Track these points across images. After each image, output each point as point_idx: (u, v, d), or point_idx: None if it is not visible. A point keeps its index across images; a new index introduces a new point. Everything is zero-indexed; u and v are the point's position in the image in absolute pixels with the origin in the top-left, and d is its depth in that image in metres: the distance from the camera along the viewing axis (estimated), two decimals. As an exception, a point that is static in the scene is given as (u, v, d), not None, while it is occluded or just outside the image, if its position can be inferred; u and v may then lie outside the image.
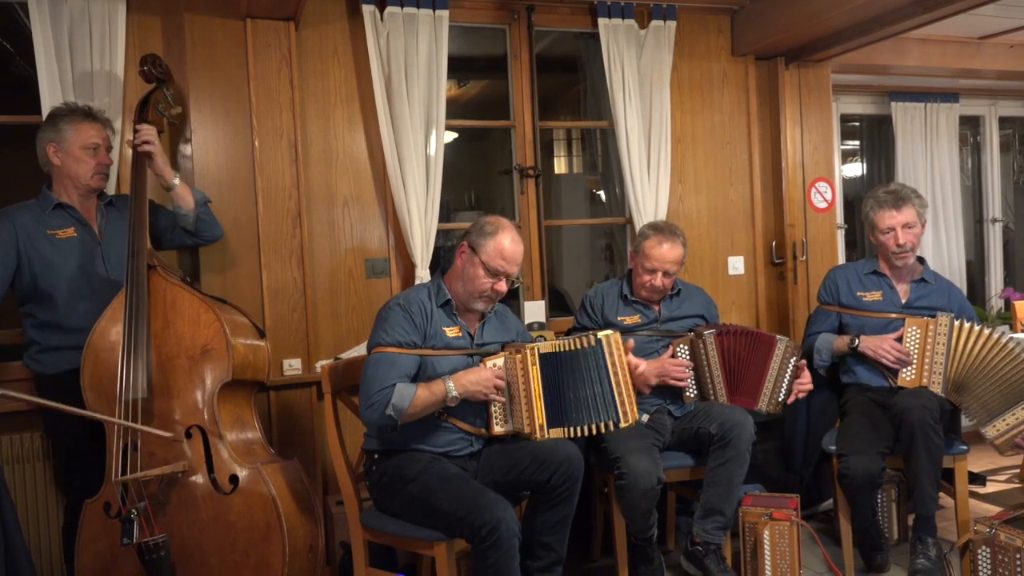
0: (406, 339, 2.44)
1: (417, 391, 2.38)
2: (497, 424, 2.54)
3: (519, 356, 2.50)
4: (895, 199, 3.08)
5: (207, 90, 3.09)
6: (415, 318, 2.46)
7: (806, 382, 2.91)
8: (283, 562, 2.37)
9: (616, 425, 2.54)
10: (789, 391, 2.90)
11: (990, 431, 2.88)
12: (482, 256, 2.49)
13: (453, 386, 2.40)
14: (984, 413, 2.91)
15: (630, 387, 2.58)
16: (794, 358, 2.90)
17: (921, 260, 3.23)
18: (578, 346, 2.55)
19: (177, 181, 2.72)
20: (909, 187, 3.16)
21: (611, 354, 2.54)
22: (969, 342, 2.93)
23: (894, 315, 3.09)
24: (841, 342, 3.13)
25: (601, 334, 2.56)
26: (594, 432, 2.55)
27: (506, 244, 2.50)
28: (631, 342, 2.77)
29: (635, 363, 2.75)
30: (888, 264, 3.17)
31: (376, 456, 2.53)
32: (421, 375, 2.46)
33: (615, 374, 2.54)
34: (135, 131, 2.69)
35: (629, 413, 2.55)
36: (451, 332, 2.53)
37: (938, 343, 2.98)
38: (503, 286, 2.53)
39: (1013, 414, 2.85)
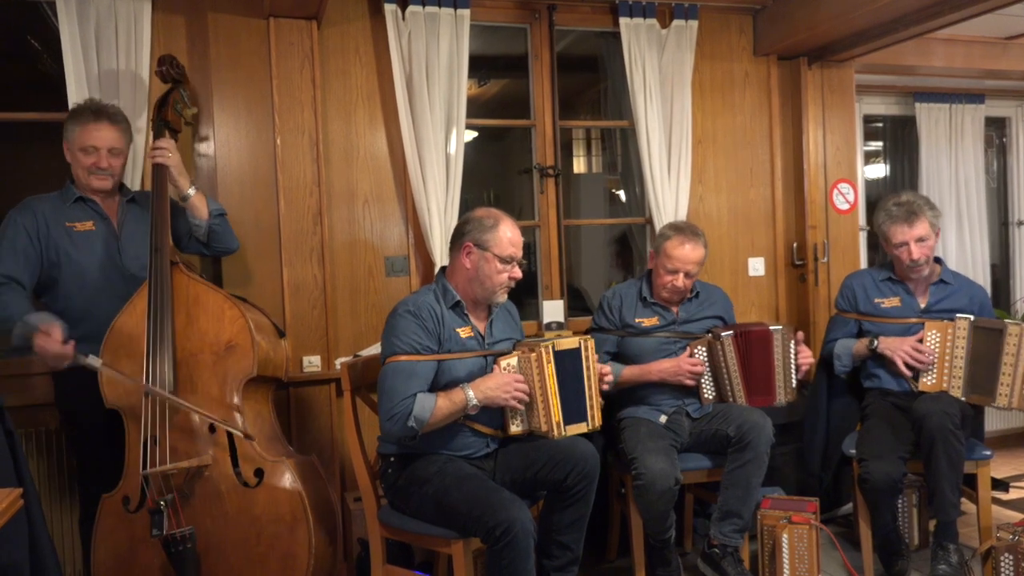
0: (422, 345, 2.41)
1: (438, 402, 2.36)
2: (513, 424, 2.53)
3: (534, 355, 2.47)
4: (907, 213, 3.01)
5: (230, 88, 3.12)
6: (427, 324, 2.43)
7: (806, 356, 2.91)
8: (309, 554, 2.39)
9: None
10: (797, 372, 2.90)
11: (1000, 400, 2.85)
12: (494, 250, 2.49)
13: (473, 394, 2.39)
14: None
15: (597, 394, 2.58)
16: (792, 341, 2.89)
17: (938, 260, 3.19)
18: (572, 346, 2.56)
19: (192, 191, 2.69)
20: (922, 197, 3.09)
21: (587, 359, 2.54)
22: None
23: (914, 320, 3.07)
24: (860, 345, 3.11)
25: (581, 338, 2.57)
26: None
27: (510, 232, 2.53)
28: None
29: (600, 368, 2.68)
30: (904, 274, 3.14)
31: (392, 459, 2.53)
32: (437, 381, 2.44)
33: (588, 379, 2.55)
34: (154, 140, 2.67)
35: (596, 419, 2.56)
36: (464, 333, 2.52)
37: (957, 347, 2.94)
38: (518, 271, 2.55)
39: (1004, 374, 2.84)
